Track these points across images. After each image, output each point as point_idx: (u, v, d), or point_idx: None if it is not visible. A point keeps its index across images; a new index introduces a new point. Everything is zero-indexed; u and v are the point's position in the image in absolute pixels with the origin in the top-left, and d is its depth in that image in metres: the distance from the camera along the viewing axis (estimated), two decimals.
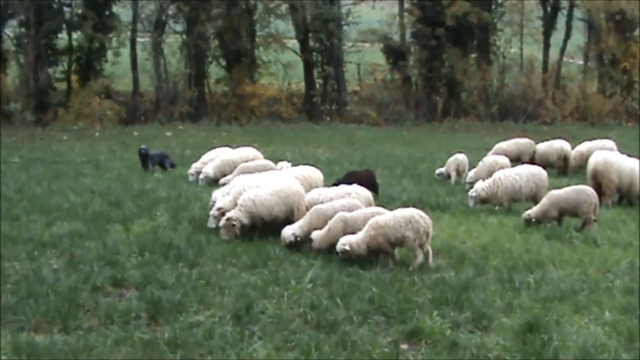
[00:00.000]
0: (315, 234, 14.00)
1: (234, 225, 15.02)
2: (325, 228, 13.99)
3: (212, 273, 12.63)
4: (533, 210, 16.97)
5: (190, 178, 22.63)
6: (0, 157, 28.33)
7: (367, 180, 18.14)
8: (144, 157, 24.56)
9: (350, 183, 17.22)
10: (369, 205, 15.41)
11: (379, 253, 13.48)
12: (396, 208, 14.34)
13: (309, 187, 17.20)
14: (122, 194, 19.98)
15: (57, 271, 12.66)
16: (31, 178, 22.89)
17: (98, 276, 12.20)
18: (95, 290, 11.70)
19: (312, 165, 19.43)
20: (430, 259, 13.48)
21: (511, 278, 12.58)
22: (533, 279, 12.54)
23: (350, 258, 13.25)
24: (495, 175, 19.27)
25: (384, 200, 16.80)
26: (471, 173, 21.80)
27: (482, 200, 18.99)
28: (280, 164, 21.59)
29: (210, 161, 22.79)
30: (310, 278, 12.19)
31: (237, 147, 24.16)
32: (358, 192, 15.86)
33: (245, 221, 15.12)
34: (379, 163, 27.28)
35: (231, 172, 21.07)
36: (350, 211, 14.34)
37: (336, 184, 17.59)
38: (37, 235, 15.11)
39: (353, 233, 13.54)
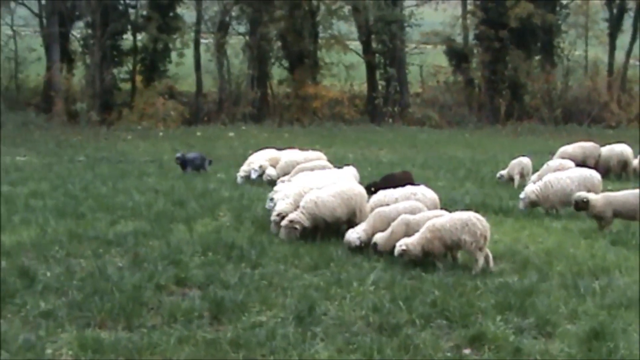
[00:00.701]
0: (379, 237, 13.96)
1: (295, 228, 15.06)
2: (388, 230, 13.95)
3: (275, 274, 12.64)
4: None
5: (239, 180, 22.33)
6: (67, 156, 28.79)
7: (404, 182, 18.01)
8: (182, 164, 24.45)
9: (387, 186, 17.20)
10: (435, 207, 15.28)
11: (435, 256, 13.41)
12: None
13: None
14: (185, 194, 20.13)
15: (122, 269, 12.77)
16: (96, 177, 23.20)
17: (162, 275, 12.29)
18: (159, 288, 11.78)
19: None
20: (491, 263, 13.35)
21: (576, 284, 12.38)
22: (598, 285, 12.29)
23: (409, 260, 13.20)
24: (546, 178, 19.03)
25: (446, 203, 16.66)
26: (534, 177, 21.54)
27: (532, 204, 18.74)
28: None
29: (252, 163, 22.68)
30: (372, 280, 12.15)
31: (284, 148, 24.02)
32: (424, 194, 15.71)
33: (307, 223, 15.12)
34: (441, 166, 27.17)
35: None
36: (412, 213, 14.28)
37: (369, 186, 17.46)
38: (102, 233, 15.29)
39: None
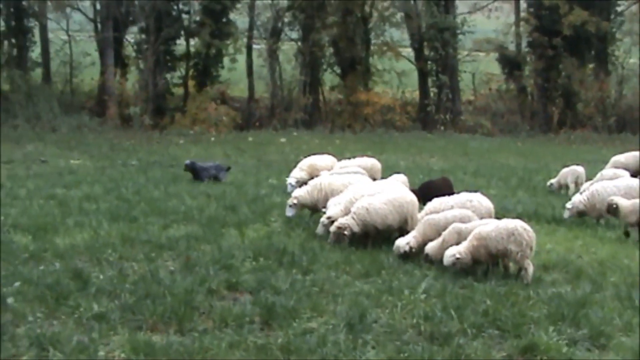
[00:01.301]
0: (430, 247, 13.90)
1: (344, 233, 15.05)
2: (440, 239, 13.88)
3: (326, 280, 12.66)
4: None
5: (289, 188, 20.98)
6: (120, 160, 29.07)
7: (443, 189, 17.90)
8: (192, 171, 23.71)
9: (426, 193, 17.13)
10: (489, 215, 15.18)
11: (484, 264, 13.33)
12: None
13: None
14: (237, 199, 20.21)
15: (174, 273, 12.88)
16: (149, 181, 23.35)
17: (213, 279, 12.37)
18: (210, 293, 11.86)
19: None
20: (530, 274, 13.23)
21: (630, 296, 12.23)
22: None
23: (460, 269, 13.13)
24: (593, 188, 18.82)
25: (498, 212, 16.52)
26: (585, 185, 21.25)
27: (580, 213, 18.55)
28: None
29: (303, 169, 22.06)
30: (423, 288, 12.11)
31: (312, 154, 23.72)
32: (480, 201, 15.61)
33: (356, 229, 15.13)
34: (493, 174, 26.99)
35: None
36: (462, 222, 14.19)
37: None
38: (154, 237, 15.40)
39: None
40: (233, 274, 12.75)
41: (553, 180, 23.31)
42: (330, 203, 16.46)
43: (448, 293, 11.99)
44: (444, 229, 14.14)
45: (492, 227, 13.35)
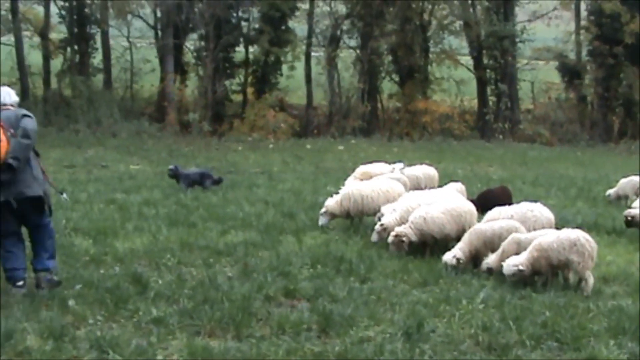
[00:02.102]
0: (491, 260, 13.72)
1: (402, 241, 15.02)
2: (499, 250, 13.75)
3: (383, 289, 12.62)
4: None
5: None
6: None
7: (502, 198, 17.74)
8: (175, 177, 22.63)
9: (484, 202, 17.01)
10: (550, 226, 14.96)
11: (543, 275, 13.19)
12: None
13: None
14: (294, 206, 20.25)
15: (232, 279, 12.92)
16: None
17: (271, 286, 12.38)
18: (268, 299, 11.88)
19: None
20: (589, 285, 13.05)
21: None
22: None
23: (520, 280, 13.00)
24: None
25: (558, 222, 16.37)
26: None
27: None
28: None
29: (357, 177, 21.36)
30: (482, 299, 12.00)
31: (372, 162, 23.30)
32: (541, 212, 15.45)
33: (414, 238, 15.08)
34: (552, 183, 26.74)
35: (415, 187, 19.92)
36: (508, 232, 14.00)
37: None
38: (212, 242, 15.49)
39: None
40: (290, 281, 12.76)
41: (611, 191, 23.03)
42: (385, 210, 16.49)
43: (506, 304, 11.88)
44: (491, 240, 14.04)
45: (553, 237, 13.19)
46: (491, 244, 14.04)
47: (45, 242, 12.02)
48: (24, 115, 11.60)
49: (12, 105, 11.83)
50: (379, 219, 16.34)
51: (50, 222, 12.14)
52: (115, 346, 9.69)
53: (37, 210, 11.82)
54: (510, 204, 16.67)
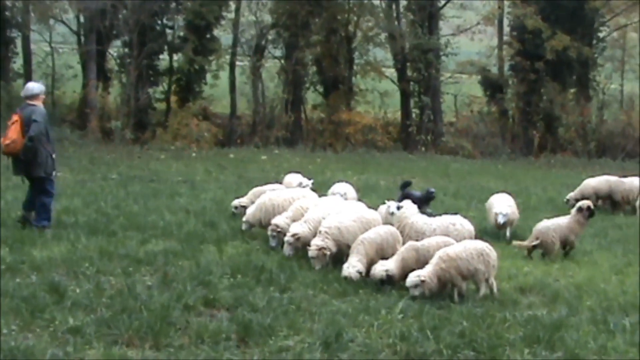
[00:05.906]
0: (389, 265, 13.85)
1: (325, 254, 14.99)
2: (397, 257, 13.86)
3: (303, 298, 12.65)
4: None
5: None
6: (100, 173, 28.96)
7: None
8: None
9: None
10: (471, 237, 15.11)
11: (450, 286, 13.32)
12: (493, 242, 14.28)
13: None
14: (216, 215, 20.19)
15: (151, 288, 12.83)
16: (129, 195, 23.28)
17: (190, 295, 12.32)
18: (187, 309, 11.81)
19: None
20: (495, 290, 13.46)
21: (606, 319, 12.30)
22: (629, 322, 12.22)
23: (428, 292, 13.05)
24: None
25: (477, 234, 16.54)
26: None
27: None
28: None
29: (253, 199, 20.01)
30: (400, 309, 12.11)
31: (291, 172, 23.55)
32: (462, 224, 15.68)
33: (334, 249, 15.13)
34: (473, 196, 27.06)
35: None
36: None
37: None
38: (132, 251, 15.35)
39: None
40: (210, 291, 12.72)
41: (570, 195, 24.42)
42: (278, 221, 16.61)
43: (425, 313, 12.01)
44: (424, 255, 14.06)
45: (460, 247, 13.45)
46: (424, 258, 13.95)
47: None
48: None
49: None
50: (273, 230, 16.49)
51: None
52: (29, 356, 9.55)
53: None
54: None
